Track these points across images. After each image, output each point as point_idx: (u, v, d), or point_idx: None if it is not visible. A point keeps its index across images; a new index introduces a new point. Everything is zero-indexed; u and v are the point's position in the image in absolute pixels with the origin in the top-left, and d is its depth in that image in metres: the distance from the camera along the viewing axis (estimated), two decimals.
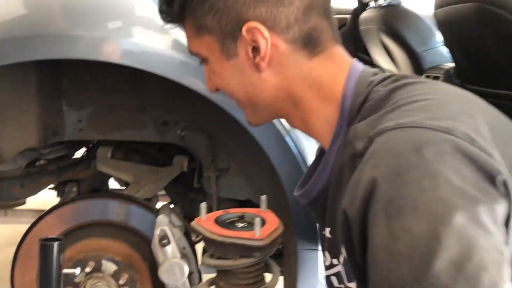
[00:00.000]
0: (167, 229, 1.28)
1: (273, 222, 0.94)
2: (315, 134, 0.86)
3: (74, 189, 2.04)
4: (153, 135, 1.73)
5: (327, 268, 0.87)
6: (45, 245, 0.86)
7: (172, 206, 1.41)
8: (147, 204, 1.36)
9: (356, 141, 0.70)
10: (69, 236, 1.30)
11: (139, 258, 1.30)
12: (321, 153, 0.92)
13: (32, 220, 2.15)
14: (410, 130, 0.63)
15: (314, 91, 0.81)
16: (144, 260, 1.31)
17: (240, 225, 0.94)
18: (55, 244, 0.87)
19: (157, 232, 1.28)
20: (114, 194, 1.37)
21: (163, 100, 1.63)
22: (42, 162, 1.94)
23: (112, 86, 1.64)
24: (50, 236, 0.89)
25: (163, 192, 1.96)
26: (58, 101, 1.61)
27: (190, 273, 1.33)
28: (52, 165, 1.89)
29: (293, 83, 0.82)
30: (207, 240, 0.91)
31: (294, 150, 1.26)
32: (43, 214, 1.31)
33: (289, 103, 0.83)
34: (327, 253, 0.86)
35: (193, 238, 0.98)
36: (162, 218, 1.29)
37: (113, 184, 2.26)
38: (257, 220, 0.90)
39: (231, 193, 1.74)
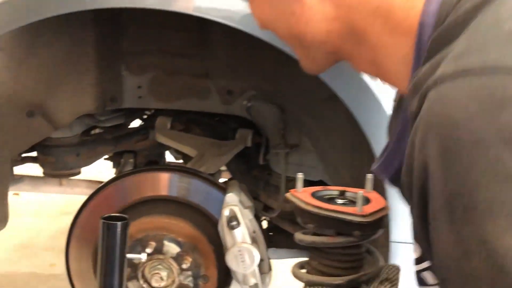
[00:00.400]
0: (236, 209, 1.13)
1: (379, 203, 0.78)
2: (389, 79, 0.63)
3: (131, 160, 1.94)
4: (217, 105, 1.57)
5: (417, 261, 0.68)
6: (107, 224, 0.72)
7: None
8: (214, 180, 1.20)
9: (413, 95, 0.48)
10: (128, 212, 1.17)
11: (204, 240, 1.16)
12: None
13: (87, 191, 2.08)
14: (481, 78, 0.40)
15: (381, 20, 0.58)
16: (210, 242, 1.17)
17: (340, 201, 0.79)
18: (119, 225, 0.72)
19: (226, 212, 1.13)
20: (178, 168, 1.23)
21: (229, 66, 1.46)
22: (98, 131, 1.84)
23: (174, 49, 1.49)
24: (112, 214, 0.75)
25: (224, 168, 1.82)
26: (117, 64, 1.48)
27: (260, 260, 1.17)
28: (108, 134, 1.78)
29: (350, 11, 0.59)
30: (301, 212, 0.77)
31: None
32: (102, 186, 1.19)
33: (349, 39, 0.61)
34: (416, 243, 0.67)
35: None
36: (231, 197, 1.14)
37: (169, 157, 2.15)
38: (360, 195, 0.74)
39: (302, 172, 1.56)
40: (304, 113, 1.43)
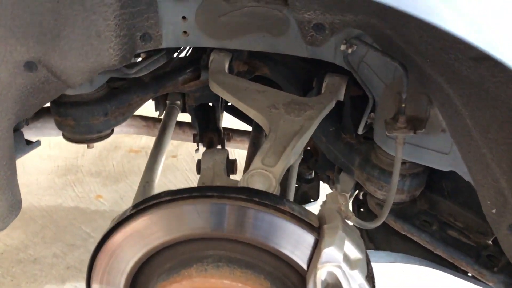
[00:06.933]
0: (339, 273, 0.70)
1: None
2: None
3: (178, 102, 1.49)
4: (297, 46, 1.05)
5: None
6: None
7: (342, 205, 0.79)
8: (300, 211, 0.74)
9: None
10: (159, 262, 0.77)
11: None
12: None
13: (127, 129, 1.69)
14: None
15: None
16: None
17: None
18: None
19: (321, 275, 0.70)
20: (231, 192, 0.74)
21: None
22: None
23: None
24: None
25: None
26: None
27: None
28: (146, 75, 1.31)
29: None
30: None
31: None
32: (125, 218, 0.76)
33: None
34: None
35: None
36: (331, 252, 0.70)
37: None
38: None
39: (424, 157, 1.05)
40: (442, 74, 0.88)
